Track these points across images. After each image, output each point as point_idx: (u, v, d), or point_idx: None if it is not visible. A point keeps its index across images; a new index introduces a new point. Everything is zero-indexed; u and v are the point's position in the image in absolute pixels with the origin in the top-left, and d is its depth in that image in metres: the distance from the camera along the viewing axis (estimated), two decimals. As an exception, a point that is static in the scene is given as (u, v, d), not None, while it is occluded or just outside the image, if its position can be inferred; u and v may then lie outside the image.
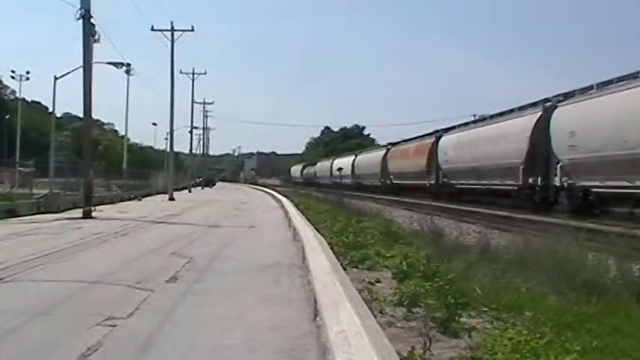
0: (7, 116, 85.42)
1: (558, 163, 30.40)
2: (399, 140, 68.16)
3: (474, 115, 58.53)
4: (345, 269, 9.50)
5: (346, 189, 70.45)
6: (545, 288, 9.42)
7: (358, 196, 50.32)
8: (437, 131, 53.25)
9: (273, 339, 6.36)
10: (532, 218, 23.97)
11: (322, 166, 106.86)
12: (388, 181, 65.24)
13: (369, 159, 76.26)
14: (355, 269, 10.97)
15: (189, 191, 69.28)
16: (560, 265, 10.53)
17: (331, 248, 11.19)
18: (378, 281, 9.59)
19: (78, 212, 24.58)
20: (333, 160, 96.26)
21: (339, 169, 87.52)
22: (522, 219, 24.35)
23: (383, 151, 70.02)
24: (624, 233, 13.29)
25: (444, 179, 48.32)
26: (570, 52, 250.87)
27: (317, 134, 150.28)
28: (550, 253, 11.46)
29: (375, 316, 6.24)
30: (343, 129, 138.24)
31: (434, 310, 7.06)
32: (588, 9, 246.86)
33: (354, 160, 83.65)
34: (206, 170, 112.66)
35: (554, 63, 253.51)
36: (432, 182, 50.77)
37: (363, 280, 9.52)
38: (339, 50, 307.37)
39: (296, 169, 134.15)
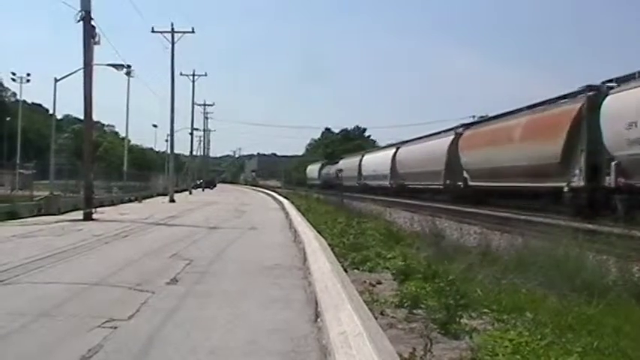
0: (8, 118, 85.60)
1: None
2: (471, 121, 49.34)
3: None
4: (345, 271, 9.51)
5: (380, 193, 59.47)
6: (545, 289, 9.43)
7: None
8: (590, 87, 29.49)
9: (273, 341, 6.35)
10: (533, 219, 23.93)
11: (347, 164, 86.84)
12: (460, 183, 43.67)
13: (422, 151, 53.39)
14: (356, 270, 10.96)
15: (190, 193, 69.38)
16: (560, 266, 10.54)
17: (332, 250, 11.19)
18: (379, 283, 9.58)
19: (78, 214, 24.58)
20: (363, 156, 79.27)
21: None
22: (523, 220, 24.31)
23: (448, 138, 47.64)
24: (624, 234, 13.28)
25: (621, 179, 25.55)
26: (571, 52, 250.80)
27: (317, 136, 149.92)
28: (550, 254, 11.47)
29: (376, 318, 6.24)
30: (344, 130, 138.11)
31: (435, 311, 7.05)
32: (589, 9, 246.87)
33: (394, 154, 63.08)
34: (206, 172, 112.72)
35: (556, 63, 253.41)
36: (579, 184, 28.49)
37: (364, 281, 9.51)
38: (339, 51, 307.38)
39: (313, 169, 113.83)
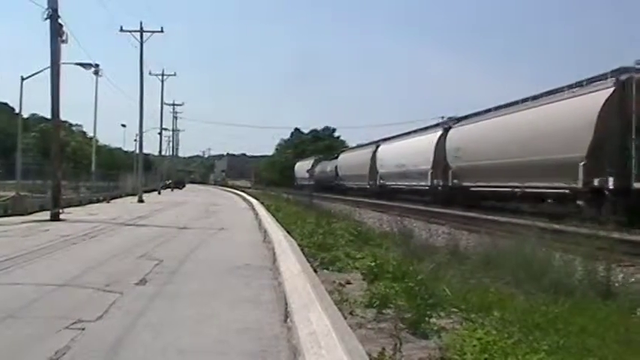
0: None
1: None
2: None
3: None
4: (315, 271, 9.52)
5: (408, 197, 45.26)
6: (513, 288, 9.53)
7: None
8: None
9: (243, 341, 6.35)
10: (499, 219, 24.15)
11: (351, 158, 68.14)
12: None
13: (517, 128, 30.98)
14: (325, 271, 10.98)
15: (159, 193, 68.92)
16: (527, 265, 10.66)
17: (302, 250, 11.20)
18: (349, 283, 9.61)
19: (46, 215, 24.30)
20: (377, 146, 58.43)
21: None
22: (491, 220, 24.53)
23: (595, 98, 25.82)
24: (590, 234, 13.47)
25: None
26: (544, 54, 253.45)
27: (287, 136, 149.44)
28: (518, 253, 11.60)
29: (346, 318, 6.26)
30: (314, 131, 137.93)
31: (404, 311, 7.10)
32: (561, 10, 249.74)
33: (440, 138, 42.00)
34: (176, 172, 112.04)
35: (529, 65, 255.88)
36: None
37: (334, 281, 9.53)
38: (310, 53, 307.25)
39: (303, 167, 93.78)
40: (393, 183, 51.45)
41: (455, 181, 38.90)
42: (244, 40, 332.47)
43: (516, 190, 30.79)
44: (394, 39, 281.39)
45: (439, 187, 41.24)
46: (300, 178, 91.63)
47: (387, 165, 52.84)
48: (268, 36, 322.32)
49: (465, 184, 37.23)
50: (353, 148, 73.58)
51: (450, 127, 41.30)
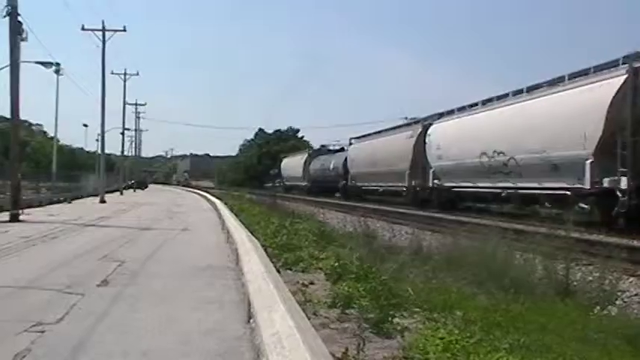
0: None
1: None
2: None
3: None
4: (278, 271, 9.51)
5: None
6: (474, 288, 9.64)
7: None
8: None
9: (206, 342, 6.33)
10: (462, 219, 24.40)
11: (374, 149, 46.19)
12: None
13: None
14: (289, 271, 10.98)
15: (121, 193, 68.26)
16: (488, 265, 10.79)
17: (265, 250, 11.19)
18: (312, 283, 9.62)
19: (5, 216, 23.91)
20: (424, 129, 37.68)
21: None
22: (454, 220, 24.75)
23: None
24: (549, 234, 13.68)
25: None
26: (505, 55, 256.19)
27: (251, 136, 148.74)
28: (479, 253, 11.73)
29: (309, 318, 6.27)
30: (278, 131, 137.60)
31: (367, 311, 7.13)
32: (522, 11, 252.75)
33: (618, 92, 20.72)
34: (138, 172, 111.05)
35: (489, 65, 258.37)
36: None
37: (297, 282, 9.54)
38: (270, 53, 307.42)
39: (292, 163, 75.35)
40: (466, 184, 31.65)
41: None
42: (206, 40, 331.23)
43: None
44: (347, 38, 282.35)
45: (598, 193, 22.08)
46: (289, 178, 72.65)
47: (452, 155, 32.45)
48: (232, 37, 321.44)
49: None
50: (371, 134, 50.77)
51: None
